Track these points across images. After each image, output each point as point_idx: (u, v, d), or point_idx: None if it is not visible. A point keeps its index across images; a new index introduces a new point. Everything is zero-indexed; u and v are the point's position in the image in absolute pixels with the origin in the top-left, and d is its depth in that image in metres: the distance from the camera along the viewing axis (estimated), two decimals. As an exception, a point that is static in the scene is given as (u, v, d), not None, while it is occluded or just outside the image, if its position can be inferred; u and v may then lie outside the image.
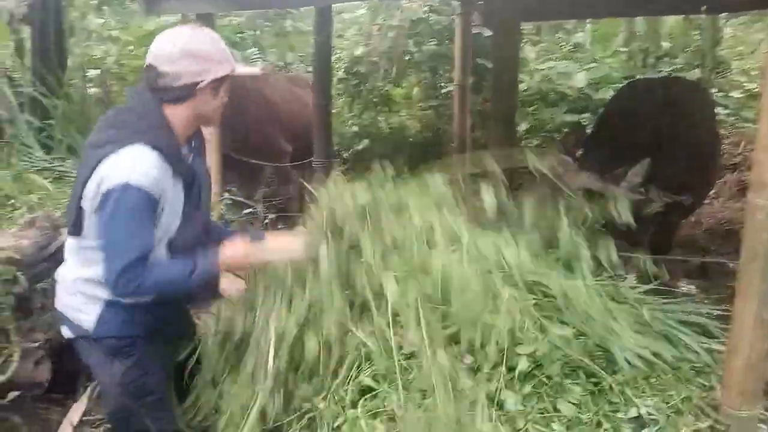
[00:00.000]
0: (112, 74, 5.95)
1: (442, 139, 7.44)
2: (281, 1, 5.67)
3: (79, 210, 1.81)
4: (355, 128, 7.41)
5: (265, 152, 5.44)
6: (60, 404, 2.75)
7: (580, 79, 6.98)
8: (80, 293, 1.89)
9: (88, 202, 1.78)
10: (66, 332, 1.98)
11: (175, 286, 1.82)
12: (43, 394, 2.59)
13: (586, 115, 6.90)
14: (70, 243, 1.93)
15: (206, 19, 4.13)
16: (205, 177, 2.03)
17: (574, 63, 7.56)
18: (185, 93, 1.81)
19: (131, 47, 6.47)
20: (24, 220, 2.38)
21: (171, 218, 1.85)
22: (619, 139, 3.03)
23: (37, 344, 2.40)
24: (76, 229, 1.84)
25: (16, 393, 2.35)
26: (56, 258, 2.40)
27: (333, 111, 5.78)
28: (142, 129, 1.78)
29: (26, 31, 4.81)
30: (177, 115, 1.84)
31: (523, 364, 1.76)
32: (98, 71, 6.03)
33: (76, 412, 2.63)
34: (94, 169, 1.74)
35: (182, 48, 1.79)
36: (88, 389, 2.74)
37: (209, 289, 1.98)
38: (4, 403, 2.34)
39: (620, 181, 2.67)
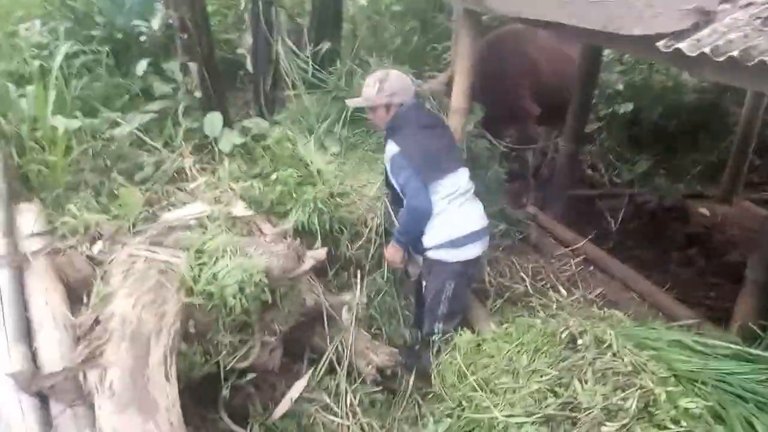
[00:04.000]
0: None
1: (725, 115, 6.34)
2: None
3: None
4: (621, 85, 6.64)
5: (511, 110, 5.22)
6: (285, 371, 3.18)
7: None
8: None
9: None
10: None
11: None
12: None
13: None
14: None
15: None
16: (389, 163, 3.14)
17: None
18: None
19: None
20: (279, 229, 2.66)
21: None
22: None
23: (273, 338, 2.75)
24: None
25: (253, 374, 2.76)
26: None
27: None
28: None
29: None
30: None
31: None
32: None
33: (297, 388, 3.03)
34: None
35: None
36: (310, 371, 3.12)
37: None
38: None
39: None
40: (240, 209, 2.88)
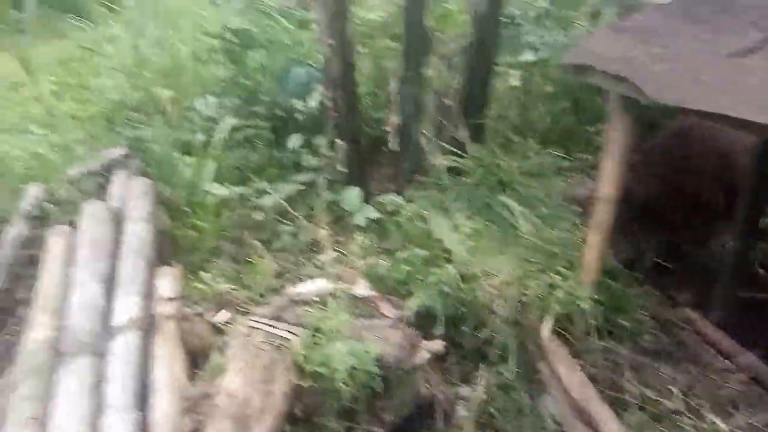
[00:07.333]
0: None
1: None
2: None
3: None
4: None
5: (700, 210, 4.72)
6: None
7: None
8: None
9: None
10: None
11: None
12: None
13: None
14: None
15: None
16: None
17: None
18: None
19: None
20: (399, 314, 2.59)
21: None
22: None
23: (381, 429, 2.63)
24: None
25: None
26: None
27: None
28: None
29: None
30: None
31: None
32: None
33: None
34: None
35: None
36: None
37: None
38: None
39: None
40: (362, 288, 2.87)
